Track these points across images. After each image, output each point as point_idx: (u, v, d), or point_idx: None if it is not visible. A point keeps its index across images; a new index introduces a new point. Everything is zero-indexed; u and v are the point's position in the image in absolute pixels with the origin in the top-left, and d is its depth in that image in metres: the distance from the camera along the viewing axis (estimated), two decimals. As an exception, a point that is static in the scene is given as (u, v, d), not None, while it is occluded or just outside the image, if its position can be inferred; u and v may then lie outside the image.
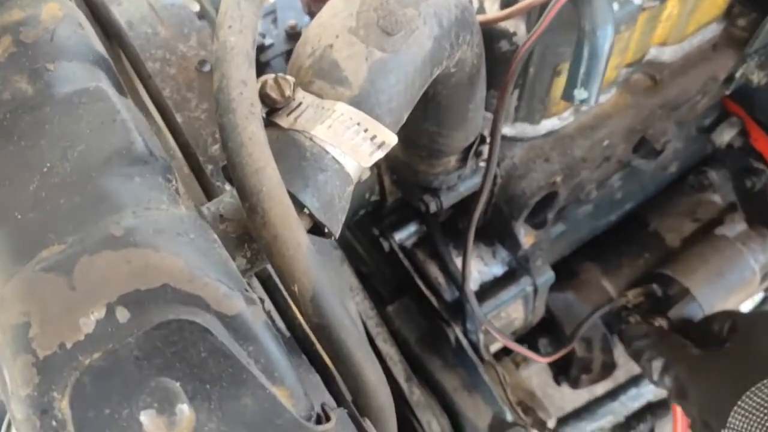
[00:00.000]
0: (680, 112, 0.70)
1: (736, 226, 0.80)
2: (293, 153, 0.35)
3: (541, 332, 0.83)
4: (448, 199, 0.62)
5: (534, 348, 0.84)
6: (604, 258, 0.83)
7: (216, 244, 0.30)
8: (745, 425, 0.54)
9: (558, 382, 0.89)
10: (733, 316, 0.66)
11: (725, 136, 0.79)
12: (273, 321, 0.38)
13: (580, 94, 0.48)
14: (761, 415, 0.54)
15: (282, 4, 0.78)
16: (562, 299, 0.81)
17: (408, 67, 0.39)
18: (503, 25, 0.54)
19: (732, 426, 0.55)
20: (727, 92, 0.73)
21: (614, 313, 0.78)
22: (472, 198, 0.64)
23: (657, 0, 0.59)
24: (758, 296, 1.40)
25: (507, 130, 0.62)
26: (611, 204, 0.79)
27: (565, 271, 0.82)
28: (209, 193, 0.42)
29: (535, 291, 0.71)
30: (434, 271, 0.70)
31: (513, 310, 0.72)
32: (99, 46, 0.35)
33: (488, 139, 0.58)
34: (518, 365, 0.86)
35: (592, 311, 0.77)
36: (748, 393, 0.55)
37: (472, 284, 0.70)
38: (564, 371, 0.87)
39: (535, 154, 0.63)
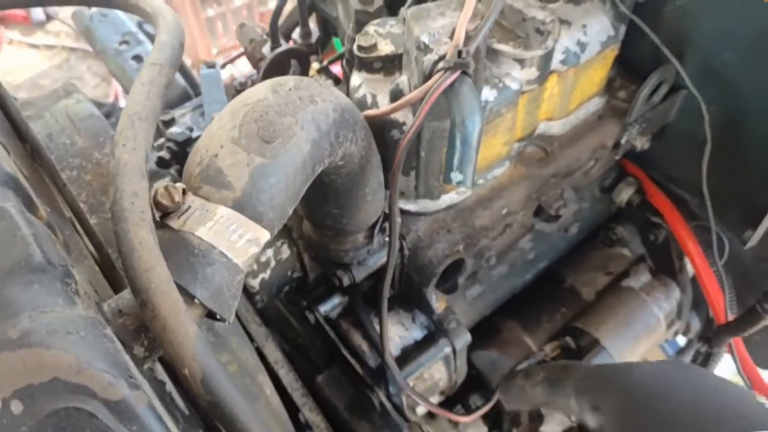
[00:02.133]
0: (574, 177, 0.77)
1: (641, 278, 0.87)
2: (183, 251, 0.40)
3: (472, 389, 0.87)
4: (359, 273, 0.67)
5: (466, 405, 0.88)
6: (525, 315, 0.88)
7: (106, 338, 0.35)
8: None
9: (493, 437, 0.93)
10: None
11: (624, 194, 0.86)
12: (173, 400, 0.43)
13: (456, 177, 0.54)
14: None
15: (209, 98, 0.85)
16: (486, 356, 0.85)
17: (288, 169, 0.44)
18: (394, 116, 0.60)
19: None
20: (617, 157, 0.81)
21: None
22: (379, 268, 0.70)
23: (535, 83, 0.67)
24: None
25: (411, 206, 0.68)
26: (525, 264, 0.85)
27: (489, 330, 0.87)
28: (118, 287, 0.47)
29: (454, 352, 0.75)
30: (358, 339, 0.74)
31: (436, 371, 0.77)
32: (8, 167, 0.40)
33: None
34: (456, 424, 0.90)
35: (514, 366, 0.82)
36: None
37: (395, 349, 0.75)
38: (498, 426, 0.91)
39: (438, 227, 0.69)
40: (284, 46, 0.81)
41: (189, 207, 0.41)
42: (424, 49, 0.55)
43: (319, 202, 0.60)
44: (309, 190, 0.58)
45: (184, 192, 0.42)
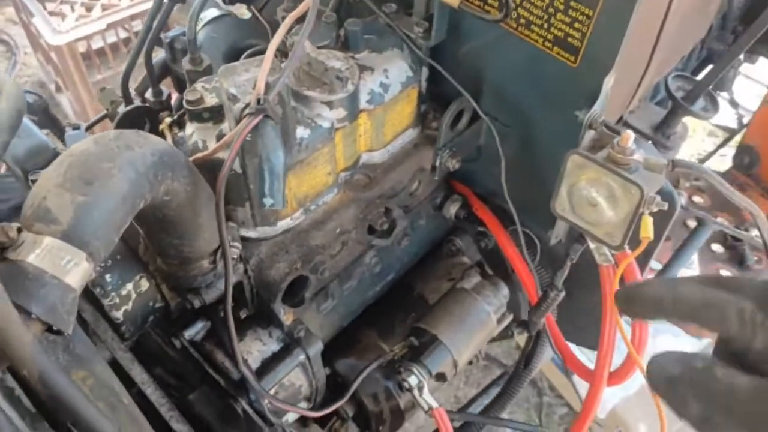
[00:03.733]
0: (399, 198, 0.90)
1: (473, 279, 1.00)
2: (20, 276, 0.49)
3: (341, 396, 0.97)
4: (209, 295, 0.77)
5: (336, 412, 0.98)
6: (380, 323, 0.99)
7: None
8: None
9: (364, 437, 1.03)
10: None
11: (451, 210, 1.00)
12: (21, 402, 0.51)
13: (268, 201, 0.66)
14: None
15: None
16: (347, 363, 0.96)
17: (108, 204, 0.54)
18: (219, 155, 0.71)
19: None
20: (436, 178, 0.94)
21: (390, 367, 0.94)
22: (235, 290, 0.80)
23: (346, 121, 0.79)
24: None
25: (251, 233, 0.79)
26: (373, 278, 0.97)
27: (349, 340, 0.98)
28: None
29: (309, 359, 0.86)
30: (221, 357, 0.83)
31: (295, 378, 0.87)
32: None
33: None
34: (332, 428, 1.00)
35: (364, 368, 0.93)
36: None
37: (255, 362, 0.84)
38: (367, 427, 1.01)
39: (278, 249, 0.79)
40: (135, 104, 0.91)
41: (23, 241, 0.51)
42: (233, 99, 0.67)
43: (161, 235, 0.69)
44: (149, 225, 0.68)
45: (19, 230, 0.51)
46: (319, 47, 0.80)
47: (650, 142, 0.90)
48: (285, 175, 0.66)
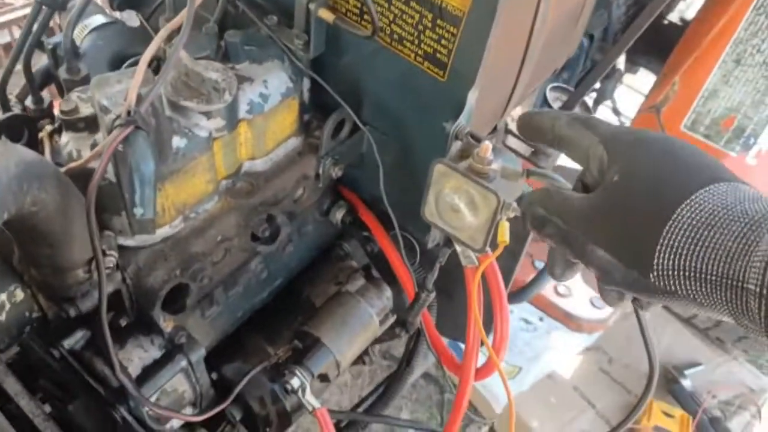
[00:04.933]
0: (283, 205, 0.93)
1: (357, 282, 1.04)
2: None
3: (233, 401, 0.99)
4: (84, 304, 0.77)
5: (224, 417, 1.00)
6: (267, 327, 1.01)
7: None
8: (674, 261, 0.49)
9: (253, 440, 1.05)
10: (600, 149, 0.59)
11: (337, 215, 1.03)
12: None
13: (139, 211, 0.67)
14: (689, 245, 0.48)
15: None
16: (234, 368, 0.98)
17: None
18: (92, 165, 0.72)
19: (660, 266, 0.50)
20: (320, 185, 0.97)
21: (276, 370, 0.96)
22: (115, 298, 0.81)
23: (224, 131, 0.81)
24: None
25: (129, 242, 0.79)
26: (260, 283, 0.99)
27: (236, 345, 1.00)
28: None
29: (191, 364, 0.87)
30: (100, 365, 0.83)
31: (178, 384, 0.88)
32: None
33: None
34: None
35: (249, 371, 0.95)
36: (667, 227, 0.49)
37: (136, 369, 0.85)
38: (255, 430, 1.03)
39: (157, 257, 0.80)
40: (12, 112, 0.90)
41: None
42: (105, 110, 0.68)
43: (32, 246, 0.69)
44: (19, 236, 0.68)
45: None
46: (198, 58, 0.82)
47: (511, 152, 0.96)
48: (156, 185, 0.68)
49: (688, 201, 0.49)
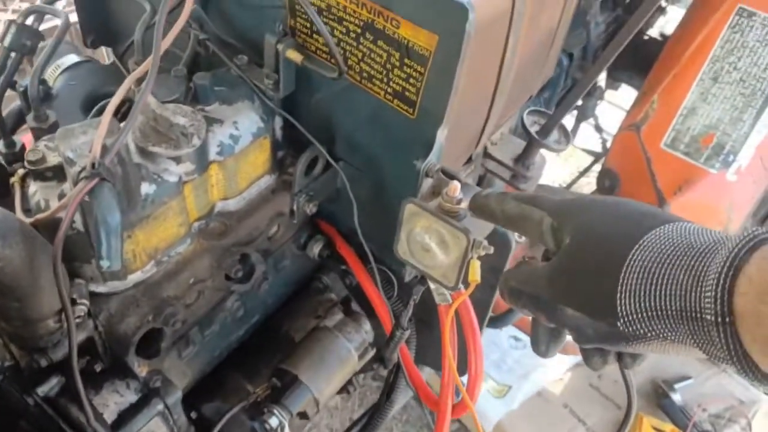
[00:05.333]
0: (257, 243, 0.93)
1: (335, 317, 1.03)
2: None
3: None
4: (56, 354, 0.77)
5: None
6: (246, 365, 1.01)
7: None
8: (635, 304, 0.51)
9: (235, 479, 1.04)
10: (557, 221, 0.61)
11: (315, 249, 1.03)
12: None
13: (105, 263, 0.67)
14: (645, 285, 0.50)
15: None
16: (214, 407, 0.97)
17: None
18: (60, 215, 0.71)
19: (624, 311, 0.51)
20: (295, 221, 0.97)
21: (255, 409, 0.96)
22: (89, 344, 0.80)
23: (195, 173, 0.81)
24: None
25: (101, 288, 0.79)
26: (236, 322, 0.98)
27: (215, 384, 0.99)
28: None
29: (167, 408, 0.86)
30: (75, 412, 0.83)
31: (156, 428, 0.87)
32: None
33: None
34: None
35: (237, 410, 0.94)
36: (623, 272, 0.51)
37: (111, 414, 0.84)
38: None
39: (129, 302, 0.80)
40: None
41: None
42: (70, 162, 0.68)
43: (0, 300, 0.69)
44: (-14, 290, 0.68)
45: None
46: (167, 101, 0.82)
47: (487, 175, 0.96)
48: (123, 235, 0.68)
49: (638, 245, 0.51)
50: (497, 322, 1.34)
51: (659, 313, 0.49)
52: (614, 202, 0.59)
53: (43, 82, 0.97)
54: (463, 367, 0.92)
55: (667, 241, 0.51)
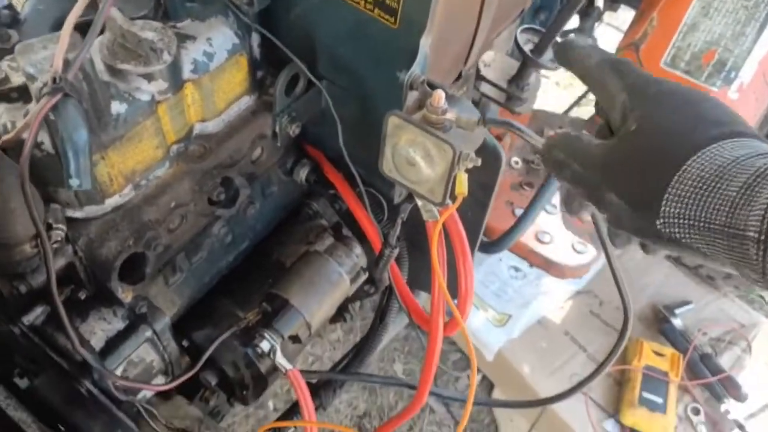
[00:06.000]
0: (239, 166, 0.90)
1: (325, 242, 1.02)
2: None
3: (203, 367, 0.97)
4: (35, 279, 0.76)
5: (199, 382, 0.99)
6: (237, 291, 1.00)
7: None
8: (680, 210, 0.51)
9: (231, 404, 1.05)
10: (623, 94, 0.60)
11: (301, 174, 1.01)
12: None
13: (74, 182, 0.65)
14: (695, 195, 0.50)
15: None
16: (205, 334, 0.96)
17: None
18: (25, 135, 0.68)
19: (666, 214, 0.52)
20: (279, 144, 0.94)
21: (247, 334, 0.95)
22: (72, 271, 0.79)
23: (168, 93, 0.78)
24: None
25: (78, 213, 0.77)
26: (224, 248, 0.97)
27: (205, 311, 0.98)
28: None
29: (156, 334, 0.86)
30: (62, 340, 0.82)
31: (145, 354, 0.87)
32: None
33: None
34: (191, 398, 1.01)
35: (228, 335, 0.93)
36: (676, 177, 0.51)
37: (99, 342, 0.84)
38: (233, 394, 1.03)
39: (108, 227, 0.78)
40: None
41: None
42: (31, 78, 0.64)
43: (-30, 224, 0.67)
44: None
45: None
46: (135, 18, 0.78)
47: (467, 101, 0.92)
48: (91, 154, 0.65)
49: (700, 154, 0.51)
50: (492, 247, 1.33)
51: (701, 224, 0.50)
52: (694, 97, 0.57)
53: (9, 6, 0.92)
54: (455, 291, 0.90)
55: (729, 156, 0.50)
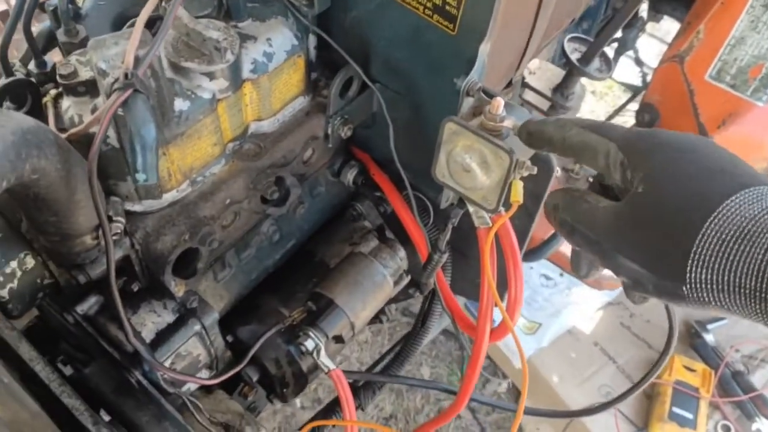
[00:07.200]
0: (292, 167, 0.91)
1: (370, 243, 1.02)
2: None
3: (247, 363, 0.99)
4: (94, 270, 0.77)
5: (242, 378, 1.00)
6: (282, 289, 1.01)
7: None
8: (706, 275, 0.49)
9: (270, 401, 1.06)
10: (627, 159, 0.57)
11: (349, 176, 1.01)
12: None
13: (141, 177, 0.66)
14: (719, 259, 0.48)
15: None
16: (250, 330, 0.97)
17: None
18: (93, 130, 0.70)
19: (693, 280, 0.49)
20: (330, 146, 0.95)
21: (291, 332, 0.96)
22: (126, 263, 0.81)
23: (228, 91, 0.79)
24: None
25: (136, 207, 0.79)
26: (272, 246, 0.98)
27: (250, 307, 0.99)
28: None
29: (204, 328, 0.87)
30: (114, 330, 0.84)
31: (192, 347, 0.88)
32: None
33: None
34: (231, 392, 1.02)
35: (273, 333, 0.94)
36: (697, 241, 0.49)
37: (149, 334, 0.85)
38: (272, 391, 1.04)
39: (165, 221, 0.79)
40: (14, 77, 0.88)
41: None
42: (102, 73, 0.66)
43: (36, 214, 0.69)
44: (23, 204, 0.68)
45: None
46: (199, 17, 0.80)
47: (524, 108, 0.93)
48: (159, 149, 0.67)
49: (716, 213, 0.49)
50: (532, 255, 1.32)
51: (731, 288, 0.48)
52: (692, 147, 0.54)
53: (72, 1, 0.94)
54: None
55: (746, 214, 0.49)
